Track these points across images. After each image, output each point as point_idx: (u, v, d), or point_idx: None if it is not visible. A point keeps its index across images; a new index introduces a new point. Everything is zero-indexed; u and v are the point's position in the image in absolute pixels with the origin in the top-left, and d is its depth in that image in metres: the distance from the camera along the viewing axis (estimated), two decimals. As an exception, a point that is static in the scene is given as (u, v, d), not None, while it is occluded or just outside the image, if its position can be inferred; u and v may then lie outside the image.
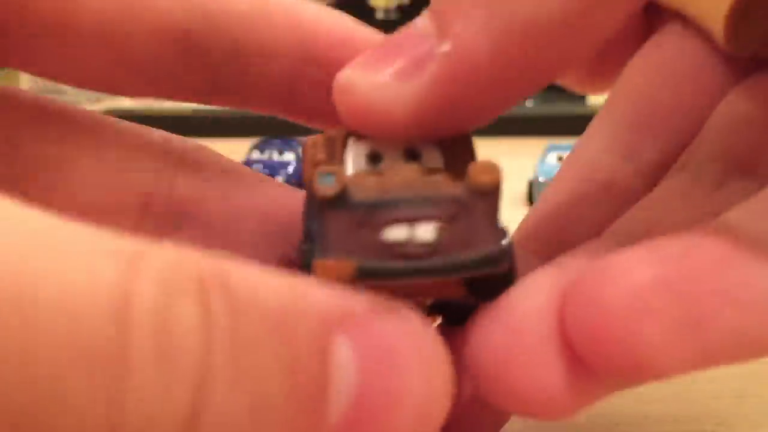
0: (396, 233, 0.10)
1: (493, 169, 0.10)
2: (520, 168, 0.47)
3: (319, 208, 0.10)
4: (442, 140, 0.12)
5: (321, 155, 0.11)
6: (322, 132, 0.12)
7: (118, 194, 0.14)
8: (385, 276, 0.10)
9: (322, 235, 0.10)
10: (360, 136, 0.11)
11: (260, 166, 0.37)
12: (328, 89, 0.12)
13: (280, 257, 0.14)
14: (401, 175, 0.10)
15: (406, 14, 0.78)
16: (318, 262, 0.09)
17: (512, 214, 0.47)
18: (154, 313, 0.08)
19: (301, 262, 0.11)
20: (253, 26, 0.13)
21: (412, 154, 0.11)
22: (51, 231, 0.08)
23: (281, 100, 0.14)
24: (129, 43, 0.12)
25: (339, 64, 0.12)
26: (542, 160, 0.42)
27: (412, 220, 0.10)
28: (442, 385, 0.09)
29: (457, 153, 0.12)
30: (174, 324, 0.08)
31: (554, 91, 0.86)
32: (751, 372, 0.20)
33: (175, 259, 0.08)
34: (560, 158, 0.41)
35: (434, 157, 0.11)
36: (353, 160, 0.11)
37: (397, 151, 0.11)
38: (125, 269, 0.08)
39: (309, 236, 0.11)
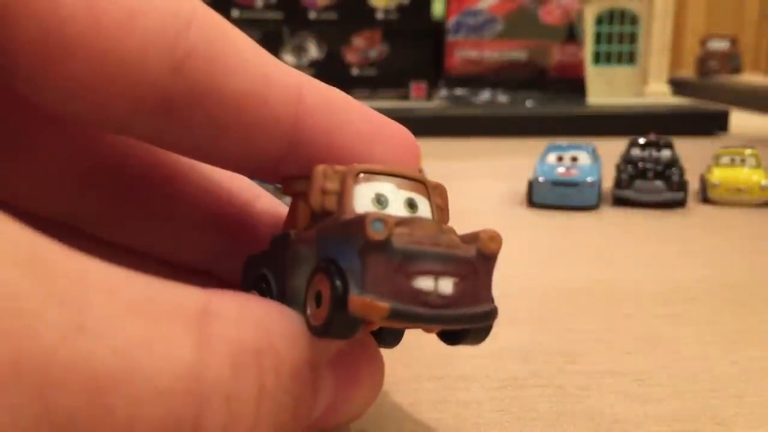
0: (425, 283, 0.11)
1: (498, 238, 0.12)
2: (520, 168, 0.47)
3: (363, 248, 0.11)
4: (428, 192, 0.13)
5: (331, 185, 0.12)
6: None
7: (64, 166, 0.14)
8: (411, 320, 0.11)
9: (360, 272, 0.11)
10: (369, 176, 0.13)
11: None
12: (316, 162, 0.13)
13: (246, 260, 0.15)
14: (425, 229, 0.11)
15: (406, 14, 0.79)
16: (356, 298, 0.10)
17: (513, 214, 0.47)
18: (225, 389, 0.10)
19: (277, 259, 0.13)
20: (243, 109, 0.12)
21: (410, 203, 0.13)
22: (124, 290, 0.09)
23: (265, 174, 0.14)
24: (102, 101, 0.12)
25: (326, 152, 0.13)
26: (542, 159, 0.42)
27: (437, 274, 0.11)
28: (378, 390, 0.13)
29: (437, 206, 0.13)
30: (238, 396, 0.10)
31: (554, 91, 0.86)
32: (751, 372, 0.20)
33: (237, 332, 0.10)
34: (560, 158, 0.41)
35: (425, 207, 0.13)
36: (360, 200, 0.12)
37: (400, 198, 0.13)
38: (198, 343, 0.10)
39: (331, 262, 0.11)
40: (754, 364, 0.20)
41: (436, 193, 0.13)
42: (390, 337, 0.14)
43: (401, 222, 0.11)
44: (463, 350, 0.21)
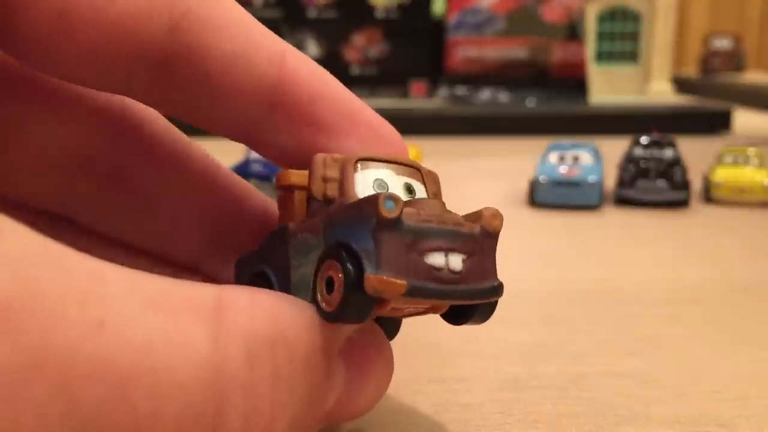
0: (437, 259, 0.11)
1: (499, 216, 0.12)
2: (521, 167, 0.47)
3: (376, 227, 0.11)
4: (423, 178, 0.14)
5: (332, 173, 0.13)
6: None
7: (60, 153, 0.15)
8: (427, 296, 0.11)
9: (375, 251, 0.11)
10: (368, 163, 0.13)
11: (259, 165, 0.37)
12: (292, 137, 0.13)
13: (238, 259, 0.15)
14: (430, 208, 0.12)
15: (406, 12, 0.78)
16: (374, 277, 0.11)
17: (514, 214, 0.47)
18: (242, 380, 0.10)
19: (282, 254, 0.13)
20: (231, 68, 0.13)
21: (408, 188, 0.13)
22: (142, 286, 0.10)
23: (247, 136, 0.14)
24: (110, 63, 0.12)
25: (306, 119, 0.14)
26: (544, 159, 0.42)
27: (447, 250, 0.11)
28: (389, 378, 0.13)
29: (432, 191, 0.14)
30: (255, 386, 0.10)
31: (555, 90, 0.86)
32: (754, 373, 0.19)
33: (251, 322, 0.10)
34: (562, 157, 0.41)
35: (422, 192, 0.13)
36: (362, 187, 0.12)
37: (399, 183, 0.13)
38: (214, 336, 0.10)
39: (341, 246, 0.11)
40: (758, 365, 0.20)
41: (429, 180, 0.14)
42: (387, 330, 0.14)
43: (407, 203, 0.12)
44: (464, 351, 0.21)
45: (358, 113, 0.14)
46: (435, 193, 0.14)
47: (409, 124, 0.71)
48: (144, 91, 0.13)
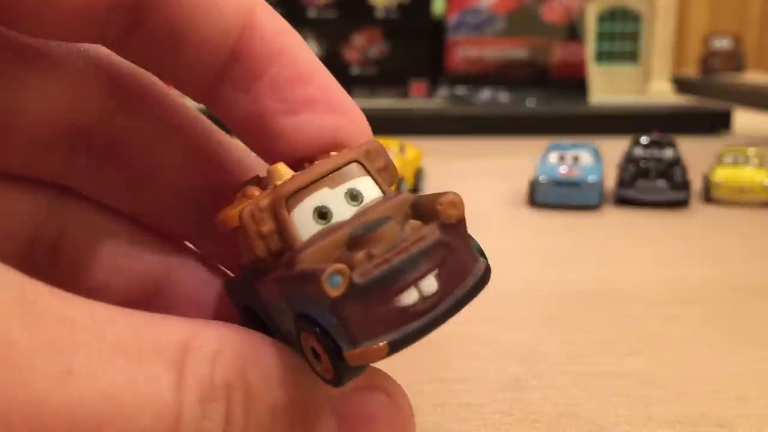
0: (408, 297, 0.10)
1: (458, 202, 0.11)
2: (521, 167, 0.47)
3: (332, 306, 0.10)
4: (362, 162, 0.12)
5: (266, 227, 0.11)
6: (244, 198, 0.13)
7: (56, 128, 0.15)
8: (412, 341, 0.10)
9: (342, 327, 0.10)
10: (297, 194, 0.12)
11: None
12: (246, 92, 0.13)
13: (227, 281, 0.15)
14: (383, 238, 0.11)
15: (406, 12, 0.78)
16: (351, 354, 0.10)
17: (514, 214, 0.47)
18: (197, 427, 0.10)
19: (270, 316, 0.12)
20: (199, 15, 0.13)
21: (352, 195, 0.12)
22: (107, 331, 0.10)
23: (206, 92, 0.14)
24: (90, 13, 0.13)
25: (261, 72, 0.13)
26: (544, 159, 0.42)
27: (415, 281, 0.10)
28: (402, 425, 0.12)
29: (380, 169, 0.12)
30: (207, 427, 0.10)
31: (555, 90, 0.86)
32: (754, 373, 0.19)
33: (210, 369, 0.10)
34: (562, 157, 0.41)
35: (369, 186, 0.12)
36: (303, 224, 0.11)
37: (339, 196, 0.12)
38: (176, 382, 0.10)
39: (310, 322, 0.11)
40: (757, 365, 0.20)
41: (372, 159, 0.12)
42: None
43: (354, 242, 0.11)
44: (464, 352, 0.21)
45: (315, 75, 0.14)
46: (382, 169, 0.12)
47: (409, 124, 0.71)
48: (114, 41, 0.13)
